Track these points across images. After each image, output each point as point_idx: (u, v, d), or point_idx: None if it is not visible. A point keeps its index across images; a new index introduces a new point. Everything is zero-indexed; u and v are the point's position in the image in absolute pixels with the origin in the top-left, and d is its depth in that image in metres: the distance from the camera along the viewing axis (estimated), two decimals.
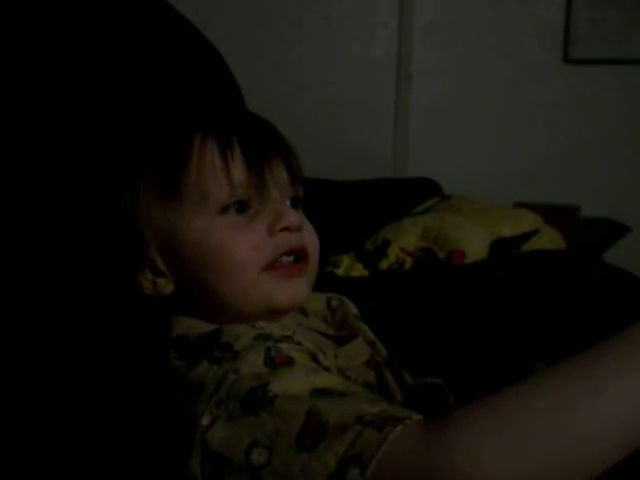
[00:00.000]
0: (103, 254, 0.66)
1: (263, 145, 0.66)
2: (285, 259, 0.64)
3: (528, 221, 1.38)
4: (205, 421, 0.52)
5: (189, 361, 0.57)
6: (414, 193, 1.58)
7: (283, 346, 0.57)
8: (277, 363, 0.55)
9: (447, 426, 0.47)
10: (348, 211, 1.52)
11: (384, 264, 1.20)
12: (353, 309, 0.79)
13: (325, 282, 1.17)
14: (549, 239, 1.35)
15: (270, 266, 0.63)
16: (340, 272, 1.24)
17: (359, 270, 1.23)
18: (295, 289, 0.64)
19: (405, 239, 1.28)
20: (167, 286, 0.65)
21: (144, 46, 0.82)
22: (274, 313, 0.64)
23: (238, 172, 0.63)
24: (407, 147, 1.84)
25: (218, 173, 0.62)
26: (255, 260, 0.62)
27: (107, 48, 0.78)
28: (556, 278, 1.02)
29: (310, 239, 0.67)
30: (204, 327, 0.61)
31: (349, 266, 1.25)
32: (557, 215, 1.58)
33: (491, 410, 0.46)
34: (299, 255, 0.65)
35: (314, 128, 1.75)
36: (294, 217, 0.64)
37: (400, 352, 0.79)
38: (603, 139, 1.85)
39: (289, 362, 0.55)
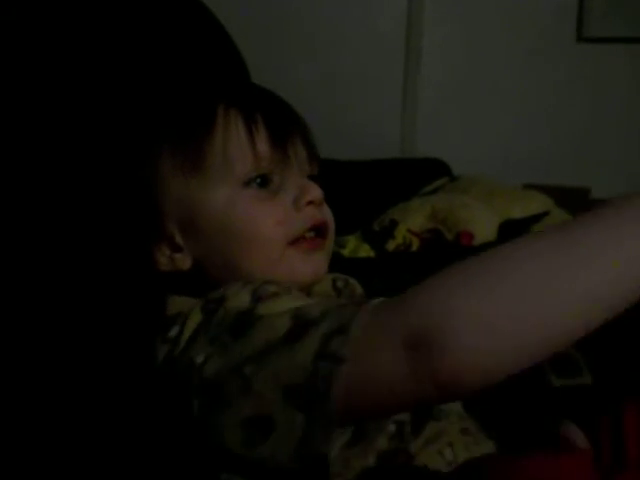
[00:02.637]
0: (120, 227, 0.64)
1: (286, 121, 0.66)
2: (308, 234, 0.63)
3: (538, 202, 1.35)
4: (199, 359, 0.52)
5: (183, 322, 0.57)
6: (422, 173, 1.55)
7: (271, 287, 0.56)
8: (263, 298, 0.54)
9: (421, 287, 0.46)
10: (355, 191, 1.49)
11: (391, 245, 1.18)
12: (359, 290, 0.77)
13: (331, 262, 1.16)
14: (559, 221, 1.32)
15: (295, 241, 0.62)
16: (346, 253, 1.22)
17: (366, 251, 1.21)
18: (317, 263, 0.64)
19: (413, 220, 1.25)
20: (185, 261, 0.63)
21: (164, 21, 0.80)
22: (293, 286, 0.61)
23: (263, 145, 0.62)
24: (415, 126, 1.80)
25: (243, 145, 0.62)
26: (280, 235, 0.62)
27: (130, 20, 0.76)
28: None
29: (329, 216, 0.67)
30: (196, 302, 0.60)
31: (355, 247, 1.22)
32: (567, 197, 1.55)
33: (467, 269, 0.45)
34: (321, 229, 0.65)
35: (320, 105, 1.71)
36: (318, 191, 0.64)
37: None
38: (617, 120, 1.81)
39: (274, 296, 0.55)
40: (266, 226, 0.62)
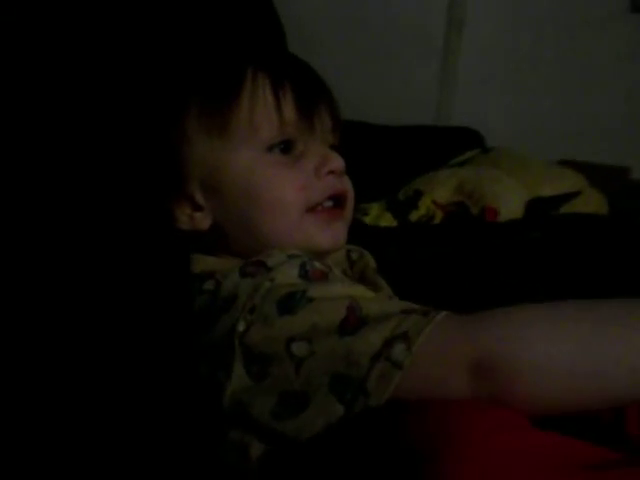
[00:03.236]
0: (141, 183, 0.65)
1: (313, 89, 0.66)
2: (326, 203, 0.64)
3: (570, 181, 1.31)
4: (241, 327, 0.53)
5: (218, 281, 0.58)
6: (454, 143, 1.52)
7: (317, 264, 0.57)
8: (311, 277, 0.56)
9: (496, 312, 0.49)
10: (384, 157, 1.47)
11: (414, 216, 1.16)
12: (372, 262, 0.77)
13: (351, 229, 1.15)
14: (591, 202, 1.28)
15: (313, 208, 0.63)
16: (368, 220, 1.21)
17: (388, 220, 1.20)
18: (336, 233, 0.65)
19: (439, 191, 1.23)
20: (204, 221, 0.64)
21: None
22: (312, 254, 0.63)
23: (289, 111, 0.63)
24: (453, 95, 1.76)
25: (270, 109, 0.62)
26: (301, 201, 0.62)
27: None
28: (593, 244, 0.97)
29: (349, 186, 0.68)
30: (230, 262, 0.61)
31: (378, 215, 1.21)
32: (605, 176, 1.50)
33: (546, 310, 0.48)
34: (340, 199, 0.66)
35: (357, 67, 1.69)
36: (340, 161, 0.64)
37: None
38: None
39: (323, 277, 0.56)
40: (286, 191, 0.63)
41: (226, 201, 0.64)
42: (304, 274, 0.56)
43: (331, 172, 0.64)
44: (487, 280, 0.84)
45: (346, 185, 0.67)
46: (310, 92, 0.66)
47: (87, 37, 0.66)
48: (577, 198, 1.28)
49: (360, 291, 0.56)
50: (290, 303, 0.53)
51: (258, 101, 0.63)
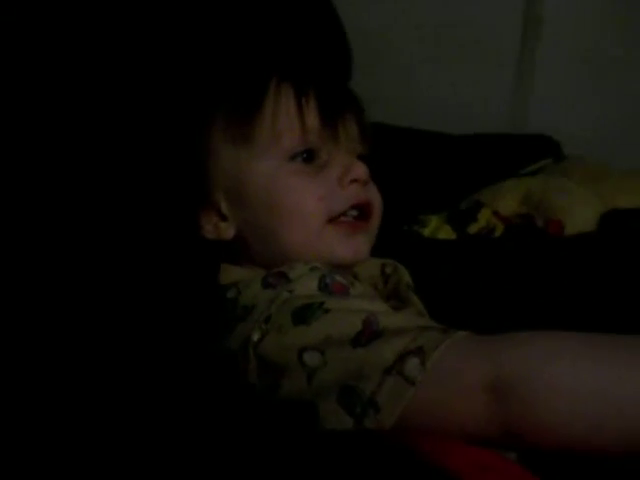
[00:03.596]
0: (169, 193, 0.65)
1: (338, 97, 0.66)
2: (350, 213, 0.64)
3: None
4: (255, 336, 0.53)
5: (239, 291, 0.58)
6: (528, 152, 1.44)
7: (338, 277, 0.57)
8: (332, 290, 0.55)
9: (520, 334, 0.46)
10: (453, 168, 1.41)
11: (473, 228, 1.10)
12: (406, 277, 0.75)
13: (405, 241, 1.10)
14: None
15: (336, 219, 0.63)
16: (426, 232, 1.15)
17: (447, 232, 1.14)
18: (358, 245, 0.64)
19: (503, 202, 1.16)
20: (228, 231, 0.65)
21: None
22: (334, 267, 0.62)
23: (312, 119, 0.63)
24: (528, 101, 1.67)
25: (292, 117, 0.63)
26: (322, 210, 0.62)
27: None
28: None
29: (375, 197, 0.67)
30: (255, 272, 0.61)
31: (436, 227, 1.15)
32: None
33: (578, 339, 0.45)
34: (364, 210, 0.65)
35: (424, 73, 1.63)
36: (363, 170, 0.64)
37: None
38: None
39: (344, 290, 0.55)
40: (306, 201, 0.62)
41: (249, 211, 0.63)
42: (324, 287, 0.55)
43: (354, 181, 0.63)
44: (531, 301, 0.77)
45: (371, 195, 0.66)
46: (335, 100, 0.65)
47: (110, 46, 0.66)
48: None
49: (380, 307, 0.55)
50: (305, 313, 0.52)
51: (281, 110, 0.63)
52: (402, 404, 0.46)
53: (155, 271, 0.62)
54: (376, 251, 0.78)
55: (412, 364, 0.46)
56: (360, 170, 0.63)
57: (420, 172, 1.36)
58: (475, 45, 1.65)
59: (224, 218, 0.65)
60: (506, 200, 1.16)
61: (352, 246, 0.63)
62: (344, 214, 0.63)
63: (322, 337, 0.50)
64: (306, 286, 0.55)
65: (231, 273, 0.63)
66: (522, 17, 1.64)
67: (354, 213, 0.64)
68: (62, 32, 0.64)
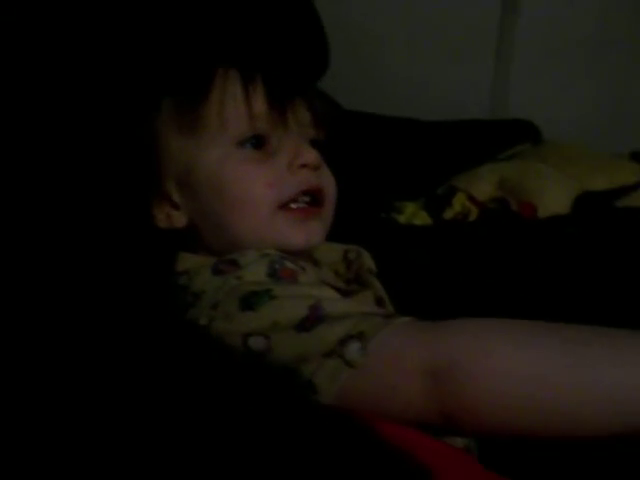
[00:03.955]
0: (119, 184, 0.65)
1: (287, 82, 0.65)
2: (302, 199, 0.63)
3: (627, 173, 1.21)
4: (202, 322, 0.53)
5: (191, 277, 0.58)
6: (506, 137, 1.44)
7: (288, 263, 0.57)
8: (280, 276, 0.55)
9: (458, 320, 0.46)
10: (432, 154, 1.41)
11: (448, 213, 1.11)
12: (368, 262, 0.74)
13: (381, 227, 1.11)
14: None
15: (286, 205, 0.62)
16: (402, 219, 1.16)
17: (422, 218, 1.14)
18: (310, 231, 0.63)
19: (478, 187, 1.16)
20: (180, 219, 0.64)
21: None
22: (288, 253, 0.62)
23: (259, 105, 0.62)
24: (508, 87, 1.67)
25: (239, 104, 0.62)
26: (271, 197, 0.61)
27: None
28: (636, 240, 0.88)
29: (328, 182, 0.66)
30: (209, 260, 0.61)
31: (413, 213, 1.16)
32: None
33: (509, 324, 0.46)
34: (316, 196, 0.64)
35: (405, 62, 1.64)
36: (313, 155, 0.62)
37: (420, 314, 0.73)
38: None
39: (292, 276, 0.55)
40: (255, 187, 0.61)
41: (200, 199, 0.63)
42: (272, 273, 0.55)
43: (304, 166, 0.62)
44: (503, 283, 0.78)
45: (323, 180, 0.65)
46: (284, 85, 0.64)
47: (53, 35, 0.66)
48: (637, 192, 1.18)
49: (328, 293, 0.55)
50: (252, 300, 0.52)
51: (227, 96, 0.62)
52: (338, 385, 0.46)
53: (108, 261, 0.62)
54: (350, 238, 0.79)
55: (353, 348, 0.47)
56: (310, 155, 0.62)
57: (399, 159, 1.37)
58: (454, 33, 1.65)
59: (176, 207, 0.64)
60: (481, 185, 1.17)
61: (304, 232, 0.62)
62: (295, 200, 0.62)
63: (268, 323, 0.50)
64: (254, 273, 0.55)
65: (186, 261, 0.63)
66: (500, 3, 1.64)
67: (306, 199, 0.63)
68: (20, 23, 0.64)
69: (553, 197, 1.09)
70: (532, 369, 0.42)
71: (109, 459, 0.40)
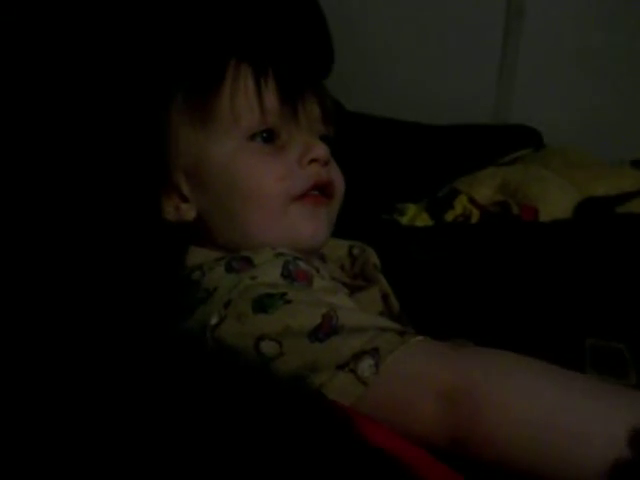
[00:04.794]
0: (128, 176, 0.65)
1: (298, 77, 0.65)
2: (312, 193, 0.63)
3: (630, 180, 1.21)
4: (214, 320, 0.53)
5: (204, 273, 0.58)
6: (508, 142, 1.44)
7: (302, 263, 0.56)
8: (295, 277, 0.54)
9: (480, 349, 0.47)
10: (434, 158, 1.42)
11: (449, 215, 1.11)
12: (373, 258, 0.75)
13: (383, 228, 1.11)
14: None
15: (299, 198, 0.62)
16: (404, 221, 1.16)
17: (424, 220, 1.15)
18: (318, 223, 0.63)
19: (479, 190, 1.17)
20: (190, 212, 0.64)
21: None
22: (298, 251, 0.62)
23: (271, 99, 0.62)
24: (512, 94, 1.67)
25: (250, 98, 0.62)
26: (282, 191, 0.61)
27: None
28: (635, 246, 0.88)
29: (337, 178, 0.66)
30: (221, 255, 0.60)
31: (414, 215, 1.16)
32: None
33: (526, 359, 0.45)
34: (325, 191, 0.64)
35: (409, 66, 1.64)
36: (323, 149, 0.63)
37: (422, 310, 0.73)
38: None
39: (307, 278, 0.55)
40: (266, 181, 0.61)
41: (210, 192, 0.63)
42: (287, 274, 0.55)
43: (314, 160, 0.63)
44: (508, 283, 0.78)
45: (333, 175, 0.65)
46: (295, 80, 0.64)
47: (67, 29, 0.66)
48: (636, 199, 1.18)
49: (343, 301, 0.55)
50: (266, 302, 0.52)
51: (239, 90, 0.62)
52: (349, 401, 0.46)
53: (117, 254, 0.62)
54: (353, 237, 0.79)
55: (366, 364, 0.46)
56: (320, 150, 0.62)
57: (401, 161, 1.37)
58: (459, 37, 1.66)
59: (185, 199, 0.64)
60: (483, 188, 1.17)
61: (312, 226, 0.62)
62: (306, 194, 0.63)
63: (281, 327, 0.50)
64: (269, 273, 0.55)
65: (197, 255, 0.63)
66: (505, 9, 1.65)
67: (315, 194, 0.64)
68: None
69: (555, 202, 1.09)
70: (553, 400, 0.42)
71: (109, 459, 0.40)
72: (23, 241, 0.60)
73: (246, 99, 0.62)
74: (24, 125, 0.63)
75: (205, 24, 0.72)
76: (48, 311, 0.56)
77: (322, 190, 0.64)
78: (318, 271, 0.58)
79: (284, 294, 0.52)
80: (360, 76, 1.59)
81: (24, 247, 0.59)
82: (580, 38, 1.63)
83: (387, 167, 1.30)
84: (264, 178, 0.61)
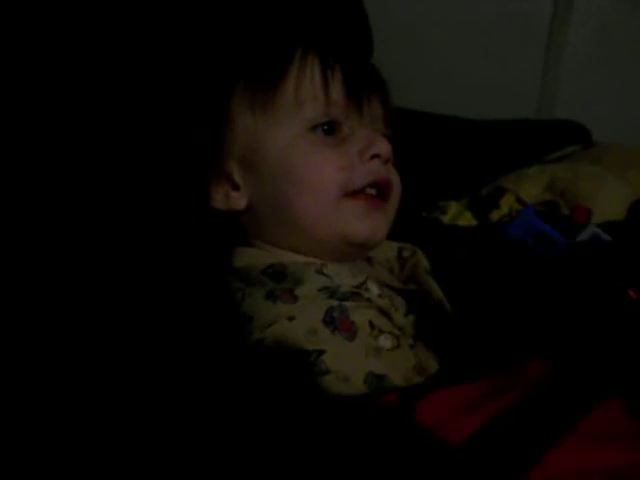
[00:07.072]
0: (179, 160, 0.62)
1: (364, 74, 0.64)
2: (369, 191, 0.61)
3: None
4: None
5: (247, 287, 0.56)
6: (555, 138, 1.38)
7: (348, 306, 0.53)
8: (337, 327, 0.52)
9: None
10: (477, 154, 1.37)
11: (495, 215, 1.05)
12: (424, 262, 0.71)
13: (424, 227, 1.06)
14: None
15: (354, 194, 0.60)
16: (446, 219, 1.11)
17: (467, 219, 1.09)
18: (374, 224, 0.61)
19: (526, 189, 1.11)
20: (240, 201, 0.62)
21: None
22: (347, 247, 0.60)
23: (336, 92, 0.61)
24: (557, 87, 1.61)
25: (317, 87, 0.61)
26: (340, 182, 0.59)
27: None
28: None
29: (395, 177, 0.64)
30: (268, 259, 0.59)
31: (457, 214, 1.11)
32: None
33: None
34: (383, 189, 0.62)
35: (453, 59, 1.58)
36: (386, 146, 0.61)
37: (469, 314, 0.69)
38: None
39: (350, 331, 0.52)
40: (325, 171, 0.59)
41: (263, 180, 0.60)
42: (330, 320, 0.52)
43: (376, 156, 0.60)
44: (547, 288, 0.73)
45: (392, 174, 0.63)
46: (361, 77, 0.63)
47: (133, 13, 0.64)
48: None
49: (382, 366, 0.51)
50: (299, 364, 0.51)
51: (305, 79, 0.61)
52: None
53: (163, 244, 0.59)
54: (394, 237, 0.75)
55: None
56: (383, 146, 0.60)
57: (442, 158, 1.32)
58: (504, 30, 1.59)
59: (236, 187, 0.62)
60: (529, 186, 1.11)
61: (367, 223, 0.60)
62: (362, 191, 0.60)
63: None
64: (309, 317, 0.52)
65: (244, 255, 0.61)
66: (552, 1, 1.58)
67: (372, 192, 0.61)
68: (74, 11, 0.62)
69: (608, 202, 1.03)
70: None
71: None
72: (65, 225, 0.57)
73: (312, 88, 0.60)
74: (84, 105, 0.61)
75: (273, 13, 0.70)
76: (83, 301, 0.53)
77: (379, 189, 0.61)
78: (370, 300, 0.55)
79: (321, 353, 0.50)
80: (399, 69, 1.54)
81: (65, 231, 0.57)
82: (631, 28, 1.56)
83: (427, 163, 1.25)
84: (324, 167, 0.59)
